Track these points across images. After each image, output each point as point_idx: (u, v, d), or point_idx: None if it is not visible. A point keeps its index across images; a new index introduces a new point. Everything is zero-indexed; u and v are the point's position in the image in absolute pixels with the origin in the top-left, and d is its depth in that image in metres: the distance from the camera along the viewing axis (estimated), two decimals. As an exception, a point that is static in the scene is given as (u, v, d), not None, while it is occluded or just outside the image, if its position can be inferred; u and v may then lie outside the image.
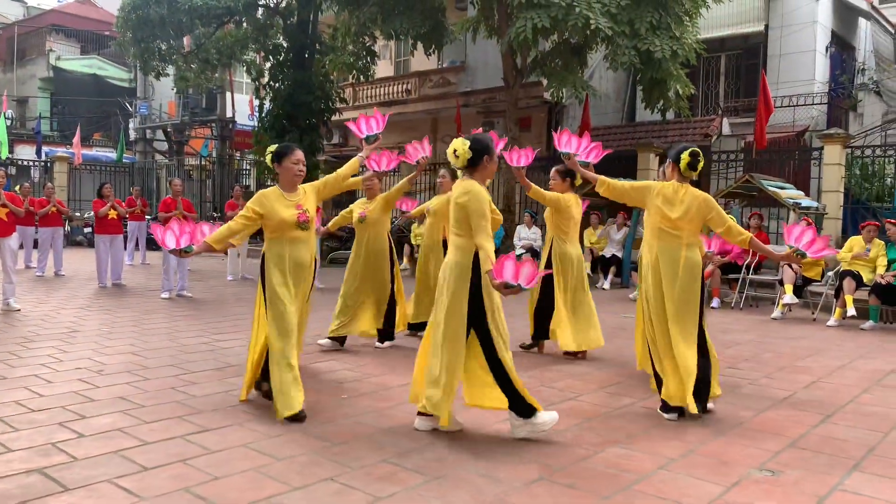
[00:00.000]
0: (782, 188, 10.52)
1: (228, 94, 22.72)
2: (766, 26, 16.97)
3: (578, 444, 3.73)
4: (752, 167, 13.59)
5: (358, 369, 5.39)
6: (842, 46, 18.26)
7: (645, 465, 3.45)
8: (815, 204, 10.70)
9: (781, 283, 8.73)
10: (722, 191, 10.74)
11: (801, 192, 10.86)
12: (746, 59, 17.69)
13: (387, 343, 6.24)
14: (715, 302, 9.53)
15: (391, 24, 12.43)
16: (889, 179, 13.51)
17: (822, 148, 11.94)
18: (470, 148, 3.78)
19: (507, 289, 3.45)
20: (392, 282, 6.22)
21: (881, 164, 13.30)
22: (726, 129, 15.60)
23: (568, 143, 4.98)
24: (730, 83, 17.93)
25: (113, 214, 10.44)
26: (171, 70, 19.07)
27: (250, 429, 3.84)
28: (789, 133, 15.33)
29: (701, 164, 4.40)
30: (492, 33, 13.43)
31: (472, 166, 3.84)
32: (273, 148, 4.36)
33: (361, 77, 14.87)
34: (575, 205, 5.92)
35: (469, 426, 3.96)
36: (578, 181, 5.88)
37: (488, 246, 3.62)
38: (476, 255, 3.71)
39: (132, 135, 26.27)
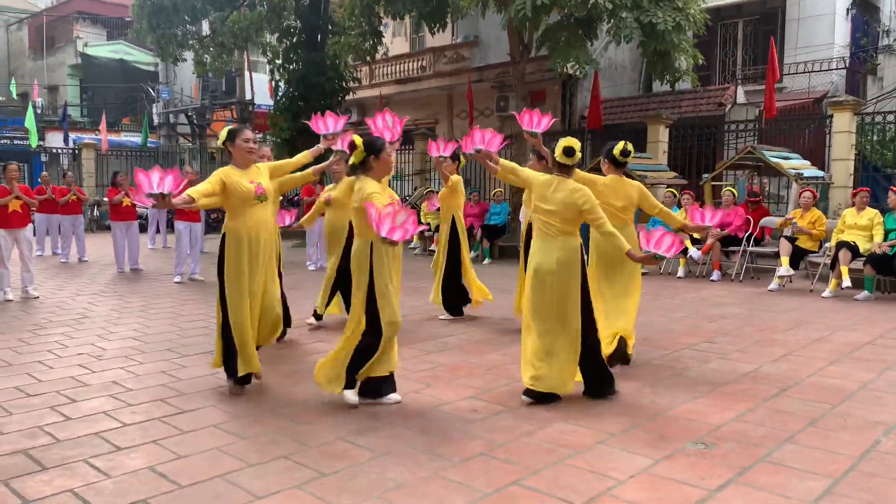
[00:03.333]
0: (786, 158, 10.45)
1: (247, 76, 23.00)
2: (784, -10, 16.59)
3: (528, 421, 3.94)
4: (763, 137, 13.45)
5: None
6: (864, 8, 17.74)
7: (585, 439, 3.65)
8: (820, 174, 10.61)
9: (778, 255, 8.75)
10: (724, 163, 10.69)
11: (807, 162, 10.76)
12: (764, 24, 17.33)
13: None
14: (715, 275, 9.58)
15: (395, 5, 12.51)
16: (906, 145, 13.24)
17: (831, 116, 11.76)
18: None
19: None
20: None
21: (897, 130, 13.03)
22: (741, 98, 15.36)
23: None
24: (747, 50, 17.62)
25: (127, 202, 10.83)
26: (189, 55, 19.38)
27: (223, 410, 4.13)
28: (806, 100, 15.06)
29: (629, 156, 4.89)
30: (500, 8, 13.41)
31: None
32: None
33: (368, 58, 14.96)
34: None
35: (427, 404, 4.20)
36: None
37: None
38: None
39: (156, 119, 26.80)
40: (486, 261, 12.04)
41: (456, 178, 6.80)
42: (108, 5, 33.15)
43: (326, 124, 4.91)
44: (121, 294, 8.64)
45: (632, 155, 5.03)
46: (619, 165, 5.07)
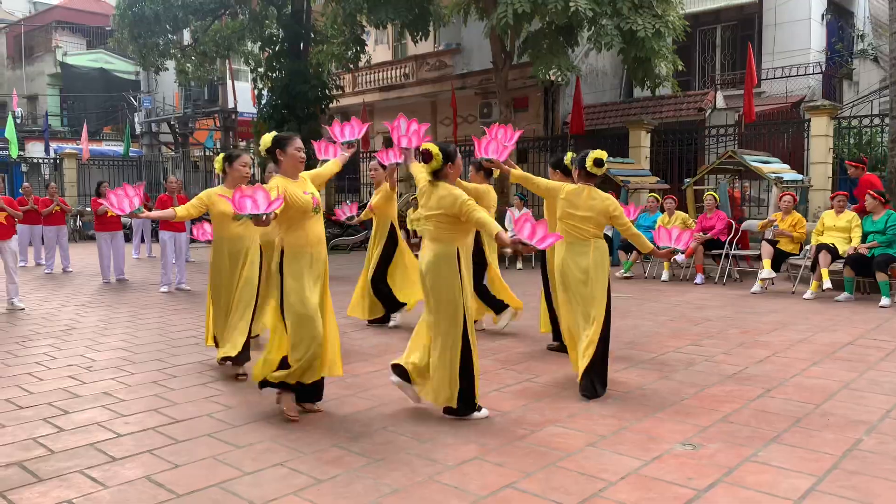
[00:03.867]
0: (766, 162, 10.64)
1: (229, 85, 22.96)
2: (761, -4, 16.88)
3: (519, 425, 4.00)
4: (743, 141, 13.67)
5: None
6: (839, 13, 18.11)
7: (576, 442, 3.72)
8: (799, 177, 10.81)
9: (759, 258, 8.90)
10: (706, 167, 10.86)
11: (786, 166, 10.97)
12: (742, 30, 17.63)
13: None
14: (698, 278, 9.72)
15: (377, 14, 12.60)
16: (882, 148, 13.50)
17: (809, 120, 11.98)
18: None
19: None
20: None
21: (874, 133, 13.29)
22: (721, 103, 15.62)
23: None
24: (726, 55, 17.91)
25: (111, 212, 10.75)
26: (171, 64, 19.34)
27: (218, 419, 4.16)
28: (783, 105, 15.34)
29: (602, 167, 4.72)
30: (482, 15, 13.54)
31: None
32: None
33: (351, 66, 15.04)
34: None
35: (420, 410, 4.25)
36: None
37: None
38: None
39: (138, 128, 26.65)
40: (519, 266, 12.07)
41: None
42: (87, 14, 32.99)
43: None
44: (108, 305, 8.61)
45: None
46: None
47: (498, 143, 4.80)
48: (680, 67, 13.01)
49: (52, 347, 6.17)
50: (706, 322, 7.02)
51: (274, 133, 4.34)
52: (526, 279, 10.00)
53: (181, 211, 4.82)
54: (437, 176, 4.20)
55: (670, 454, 3.55)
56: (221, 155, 4.78)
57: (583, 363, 4.51)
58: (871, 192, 8.52)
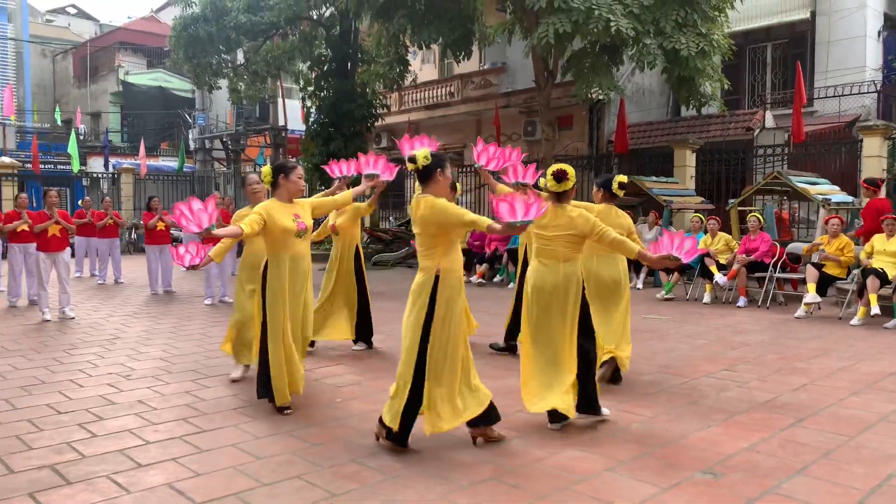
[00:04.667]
0: (814, 184, 10.36)
1: (280, 103, 23.54)
2: (813, 13, 16.51)
3: (539, 447, 3.98)
4: (793, 161, 13.34)
5: (362, 374, 5.76)
6: (896, 30, 17.56)
7: (594, 466, 3.68)
8: (849, 199, 10.48)
9: (805, 281, 8.65)
10: (751, 188, 10.64)
11: (836, 188, 10.66)
12: (794, 48, 17.24)
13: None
14: (741, 301, 9.49)
15: (420, 35, 12.78)
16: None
17: (861, 140, 11.63)
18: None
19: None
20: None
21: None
22: (770, 123, 15.29)
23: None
24: (776, 74, 17.52)
25: (161, 226, 11.16)
26: (224, 83, 19.96)
27: (243, 430, 4.26)
28: (837, 124, 14.91)
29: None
30: (526, 35, 13.60)
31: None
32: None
33: (395, 85, 15.29)
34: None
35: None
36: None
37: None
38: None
39: (192, 145, 27.50)
40: (511, 284, 12.05)
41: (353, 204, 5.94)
42: (148, 35, 34.28)
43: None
44: (153, 315, 8.88)
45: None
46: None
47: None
48: (726, 86, 12.80)
49: (96, 356, 6.41)
50: (744, 347, 6.86)
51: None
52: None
53: (247, 228, 4.57)
54: (560, 197, 4.35)
55: (689, 482, 3.48)
56: (268, 167, 4.80)
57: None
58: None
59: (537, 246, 4.46)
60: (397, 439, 3.86)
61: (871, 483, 3.46)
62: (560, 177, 4.32)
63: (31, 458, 3.74)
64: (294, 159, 24.16)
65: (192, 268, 4.31)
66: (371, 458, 3.78)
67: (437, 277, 3.84)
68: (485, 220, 3.75)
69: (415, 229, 3.98)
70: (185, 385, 5.34)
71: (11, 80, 30.07)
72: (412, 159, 3.91)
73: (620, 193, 5.35)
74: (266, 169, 4.81)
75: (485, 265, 12.71)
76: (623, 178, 5.36)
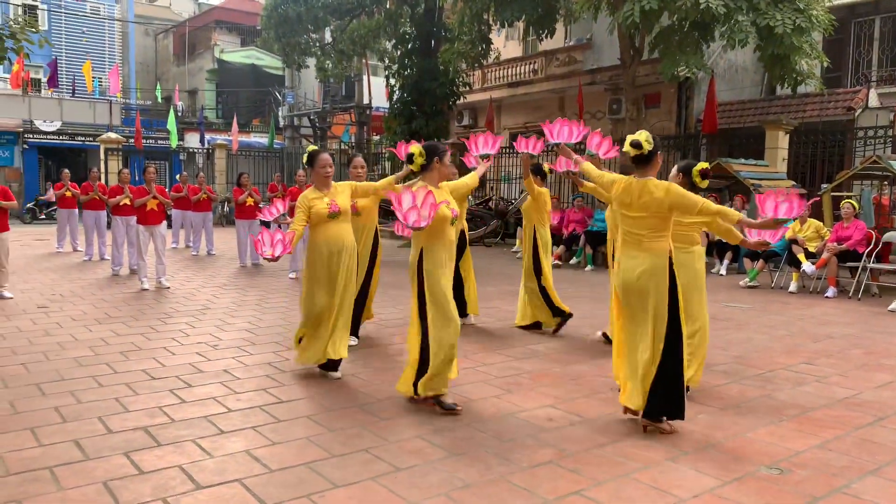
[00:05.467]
0: (918, 169, 9.74)
1: (365, 81, 23.93)
2: (929, -17, 15.36)
3: (604, 433, 4.02)
4: (897, 144, 12.55)
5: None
6: None
7: (656, 455, 3.69)
8: (957, 186, 9.79)
9: (901, 273, 8.20)
10: (846, 172, 10.09)
11: (944, 173, 9.96)
12: (905, 21, 16.11)
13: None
14: (830, 291, 9.10)
15: (503, 12, 12.70)
16: None
17: (976, 122, 10.81)
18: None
19: None
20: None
21: None
22: (874, 102, 14.37)
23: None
24: (884, 49, 16.42)
25: (250, 201, 11.67)
26: (312, 61, 20.47)
27: (317, 403, 4.49)
28: (951, 104, 13.88)
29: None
30: (612, 11, 13.29)
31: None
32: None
33: (477, 64, 15.26)
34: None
35: (505, 410, 4.37)
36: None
37: None
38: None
39: (281, 122, 28.38)
40: (589, 267, 11.98)
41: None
42: (242, 14, 35.39)
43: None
44: (240, 287, 9.36)
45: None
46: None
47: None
48: (825, 63, 12.12)
49: (188, 325, 6.84)
50: (827, 339, 6.60)
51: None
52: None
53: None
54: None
55: (753, 476, 3.45)
56: (306, 153, 5.30)
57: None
58: None
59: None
60: None
61: (949, 489, 3.33)
62: (636, 144, 4.00)
63: (127, 420, 4.09)
64: (378, 137, 24.61)
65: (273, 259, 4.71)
66: (435, 435, 3.93)
67: (670, 261, 3.99)
68: (734, 212, 4.04)
69: (631, 212, 4.02)
70: (267, 356, 5.65)
71: (118, 59, 31.78)
72: (637, 145, 4.00)
73: (703, 185, 4.66)
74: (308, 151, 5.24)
75: (561, 247, 12.65)
76: (704, 165, 4.73)
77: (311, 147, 5.57)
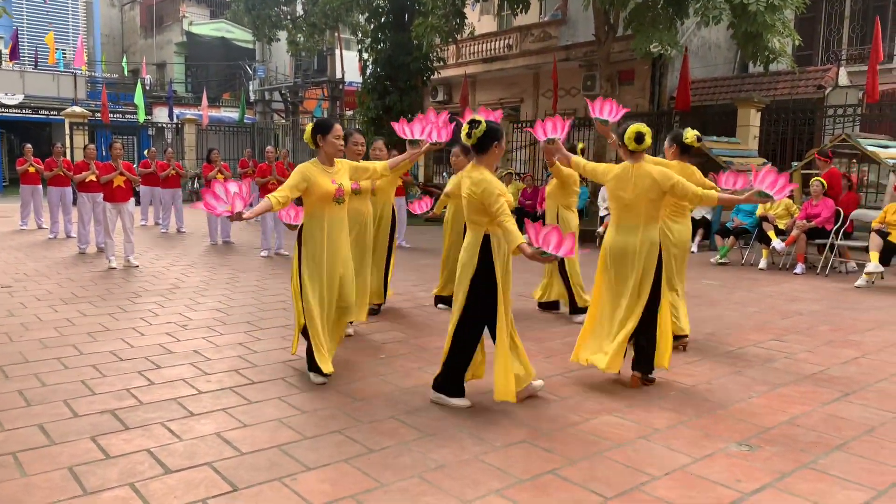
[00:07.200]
0: (885, 147, 9.88)
1: (338, 55, 23.56)
2: (899, -38, 15.47)
3: (575, 412, 4.03)
4: (866, 123, 12.71)
5: (406, 331, 5.89)
6: None
7: (628, 434, 3.72)
8: (924, 164, 9.94)
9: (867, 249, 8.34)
10: (815, 150, 10.21)
11: (910, 151, 10.12)
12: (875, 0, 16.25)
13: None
14: (798, 268, 9.23)
15: (478, -14, 12.53)
16: None
17: (941, 101, 10.98)
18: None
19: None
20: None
21: None
22: (844, 80, 14.52)
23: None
24: (854, 28, 16.57)
25: (220, 178, 11.45)
26: (283, 35, 20.07)
27: (290, 383, 4.44)
28: (917, 82, 14.07)
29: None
30: (588, -13, 13.19)
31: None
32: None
33: (450, 39, 15.07)
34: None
35: (480, 388, 4.36)
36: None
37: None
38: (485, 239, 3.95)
39: (252, 96, 27.88)
40: None
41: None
42: (212, -15, 34.61)
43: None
44: (211, 266, 9.22)
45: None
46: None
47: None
48: (797, 42, 12.19)
49: (157, 305, 6.72)
50: (796, 316, 6.71)
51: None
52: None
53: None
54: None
55: (723, 453, 3.49)
56: (309, 125, 4.59)
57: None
58: None
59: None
60: None
61: (912, 464, 3.40)
62: (640, 139, 4.37)
63: (93, 403, 4.00)
64: (350, 112, 24.30)
65: (292, 227, 4.52)
66: (410, 415, 3.91)
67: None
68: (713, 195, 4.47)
69: (627, 195, 4.39)
70: (239, 336, 5.58)
71: (82, 30, 30.88)
72: (640, 140, 4.35)
73: (697, 144, 5.27)
74: (308, 127, 4.63)
75: (539, 223, 12.63)
76: (639, 128, 4.57)
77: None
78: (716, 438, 3.67)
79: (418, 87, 17.55)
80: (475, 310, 3.97)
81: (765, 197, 4.18)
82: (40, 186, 13.21)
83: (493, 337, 3.99)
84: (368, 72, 17.92)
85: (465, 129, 4.00)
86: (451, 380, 4.07)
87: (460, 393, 4.08)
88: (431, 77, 18.13)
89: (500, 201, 3.86)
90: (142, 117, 23.52)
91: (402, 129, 5.13)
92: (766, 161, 11.98)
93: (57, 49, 26.41)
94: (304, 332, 4.53)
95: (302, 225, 4.54)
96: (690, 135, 5.31)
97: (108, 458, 3.29)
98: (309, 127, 4.62)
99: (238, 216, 3.94)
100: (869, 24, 15.91)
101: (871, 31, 15.76)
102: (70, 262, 9.43)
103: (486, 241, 3.96)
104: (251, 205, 4.13)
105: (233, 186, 3.95)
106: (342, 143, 4.63)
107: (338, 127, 4.56)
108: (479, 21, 21.55)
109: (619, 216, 4.49)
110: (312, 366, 4.44)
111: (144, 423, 3.72)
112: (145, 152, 14.11)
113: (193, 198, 20.55)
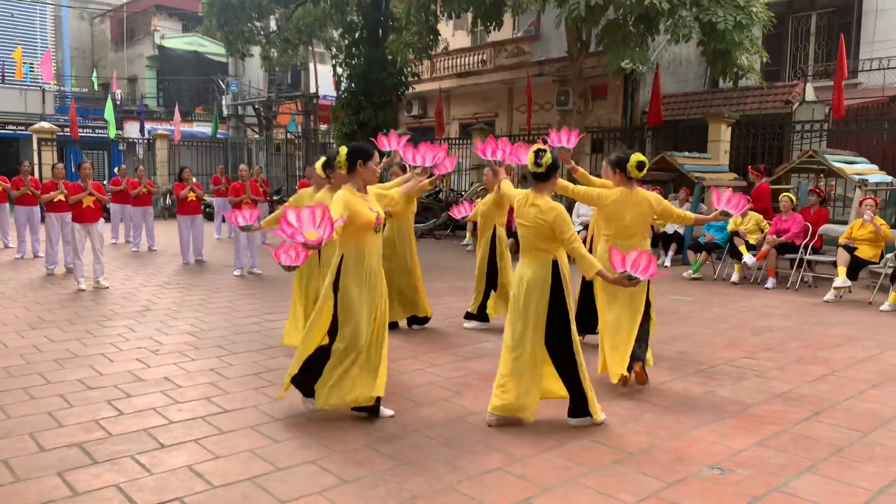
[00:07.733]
0: (851, 163, 10.09)
1: (312, 70, 23.53)
2: (861, -20, 15.87)
3: (550, 435, 4.04)
4: (833, 138, 12.98)
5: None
6: (951, -2, 16.77)
7: (602, 458, 3.73)
8: (887, 179, 10.19)
9: (835, 265, 8.49)
10: (784, 166, 10.40)
11: (874, 167, 10.36)
12: (840, 17, 16.62)
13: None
14: (769, 282, 9.37)
15: (451, 4, 12.62)
16: None
17: (904, 116, 11.26)
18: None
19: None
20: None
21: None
22: (811, 96, 14.83)
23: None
24: (820, 44, 16.94)
25: (192, 196, 11.36)
26: (256, 50, 20.00)
27: (262, 412, 4.39)
28: (880, 98, 14.41)
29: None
30: (559, 4, 13.33)
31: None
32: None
33: (424, 56, 15.17)
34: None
35: (455, 414, 4.35)
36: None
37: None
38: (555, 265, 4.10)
39: (225, 111, 27.71)
40: None
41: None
42: (184, -1, 34.36)
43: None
44: (183, 286, 9.10)
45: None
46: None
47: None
48: (765, 59, 12.43)
49: (127, 329, 6.62)
50: (767, 332, 6.80)
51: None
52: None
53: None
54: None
55: (696, 477, 3.51)
56: (344, 149, 4.25)
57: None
58: None
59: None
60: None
61: (880, 483, 3.46)
62: (641, 167, 4.69)
63: (60, 436, 3.92)
64: (325, 127, 24.26)
65: (290, 269, 3.93)
66: (384, 443, 3.88)
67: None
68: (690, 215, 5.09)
69: (626, 219, 4.89)
70: (211, 362, 5.50)
71: (50, 44, 30.46)
72: (641, 167, 4.87)
73: (638, 175, 4.82)
74: (343, 150, 4.27)
75: (511, 240, 12.68)
76: (641, 158, 4.82)
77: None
78: (689, 462, 3.70)
79: (393, 103, 17.59)
80: (555, 334, 4.10)
81: (726, 215, 4.82)
82: (6, 205, 12.97)
83: (564, 358, 4.12)
84: (343, 87, 17.92)
85: (530, 157, 4.09)
86: (583, 400, 4.15)
87: (595, 409, 4.18)
88: (406, 92, 18.17)
89: (572, 228, 4.01)
90: (112, 132, 23.22)
91: (382, 143, 5.13)
92: (736, 176, 12.18)
93: (24, 63, 26.00)
94: (294, 380, 4.27)
95: (340, 261, 4.13)
96: (634, 161, 4.84)
97: (76, 494, 3.22)
98: (343, 150, 4.26)
99: (312, 247, 3.58)
100: (834, 41, 16.28)
101: (836, 48, 16.13)
102: (38, 283, 9.26)
103: (556, 267, 4.08)
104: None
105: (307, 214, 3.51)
106: (379, 171, 4.35)
107: (377, 154, 4.28)
108: (452, 36, 21.67)
109: (615, 235, 4.93)
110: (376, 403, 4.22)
111: (113, 457, 3.64)
112: (115, 169, 13.98)
113: (165, 214, 20.36)
